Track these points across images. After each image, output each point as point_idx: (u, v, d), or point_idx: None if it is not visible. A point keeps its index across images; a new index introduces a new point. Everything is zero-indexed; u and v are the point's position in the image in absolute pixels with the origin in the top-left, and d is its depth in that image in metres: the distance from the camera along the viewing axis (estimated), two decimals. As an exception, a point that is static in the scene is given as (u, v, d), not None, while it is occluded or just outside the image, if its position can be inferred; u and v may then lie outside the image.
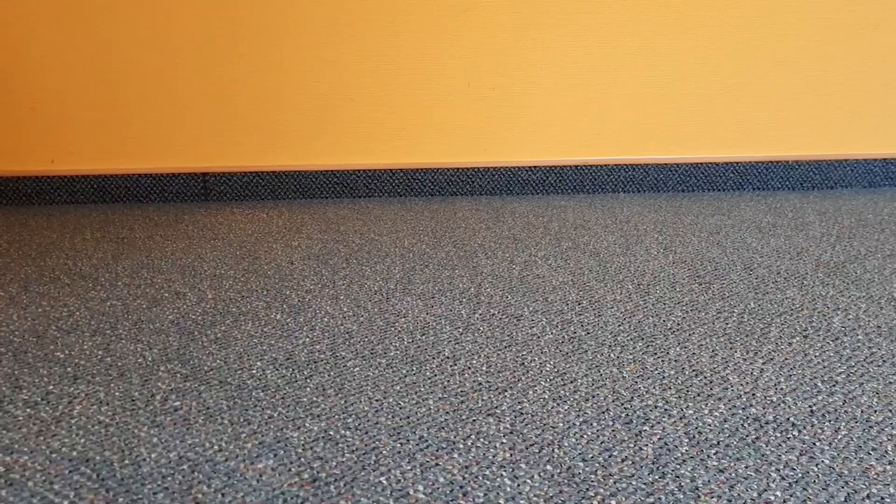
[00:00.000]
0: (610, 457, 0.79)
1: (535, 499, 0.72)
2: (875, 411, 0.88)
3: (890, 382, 0.96)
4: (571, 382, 0.96)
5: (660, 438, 0.82)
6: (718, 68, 2.06)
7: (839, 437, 0.83)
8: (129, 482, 0.75)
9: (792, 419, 0.87)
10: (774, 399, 0.91)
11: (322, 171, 2.09)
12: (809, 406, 0.90)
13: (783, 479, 0.75)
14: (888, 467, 0.77)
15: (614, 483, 0.74)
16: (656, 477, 0.75)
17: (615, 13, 2.02)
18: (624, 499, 0.72)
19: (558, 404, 0.90)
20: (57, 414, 0.88)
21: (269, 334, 1.12)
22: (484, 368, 1.00)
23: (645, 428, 0.85)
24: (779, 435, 0.83)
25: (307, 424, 0.84)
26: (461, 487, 0.74)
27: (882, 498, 0.72)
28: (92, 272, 1.41)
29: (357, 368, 1.00)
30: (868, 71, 2.10)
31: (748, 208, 1.92)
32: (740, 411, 0.88)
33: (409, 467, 0.77)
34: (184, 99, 2.00)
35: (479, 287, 1.33)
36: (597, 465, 0.78)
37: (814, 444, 0.81)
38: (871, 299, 1.25)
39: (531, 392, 0.93)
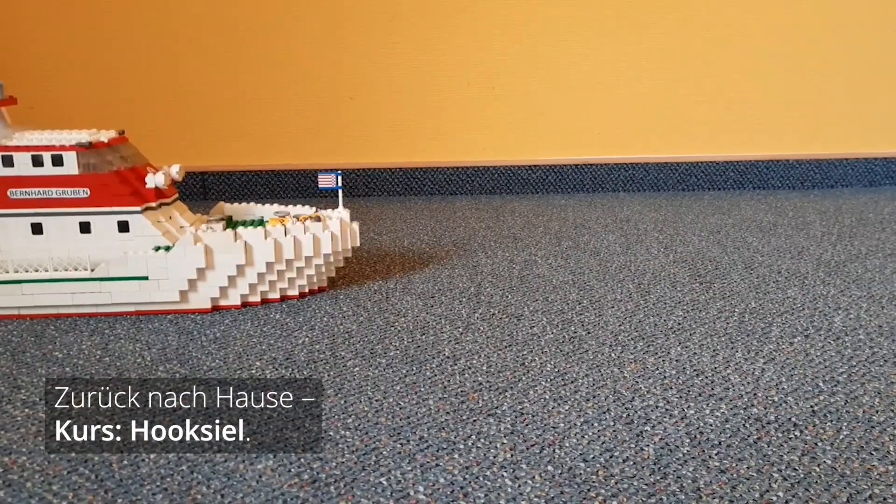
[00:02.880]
0: (611, 457, 0.79)
1: (535, 499, 0.72)
2: (877, 411, 0.88)
3: (892, 382, 0.95)
4: (572, 382, 0.95)
5: (661, 439, 0.82)
6: (719, 68, 2.06)
7: (841, 437, 0.83)
8: (127, 483, 0.75)
9: (794, 419, 0.86)
10: (776, 399, 0.91)
11: (321, 169, 2.08)
12: (811, 406, 0.89)
13: (785, 479, 0.75)
14: (890, 467, 0.77)
15: (616, 484, 0.74)
16: (658, 477, 0.75)
17: (615, 14, 2.02)
18: (625, 499, 0.72)
19: (559, 404, 0.90)
20: (55, 414, 0.87)
21: (268, 334, 1.11)
22: (484, 368, 1.00)
23: (646, 428, 0.84)
24: (781, 435, 0.83)
25: (307, 424, 0.84)
26: (462, 488, 0.73)
27: (885, 498, 0.72)
28: (90, 272, 1.41)
29: (357, 368, 1.00)
30: (868, 70, 2.10)
31: (749, 207, 1.92)
32: (742, 411, 0.88)
33: (409, 468, 0.77)
34: (182, 98, 1.99)
35: (479, 286, 1.32)
36: (598, 465, 0.77)
37: (816, 444, 0.81)
38: (873, 298, 1.25)
39: (532, 392, 0.93)
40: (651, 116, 2.09)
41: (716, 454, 0.79)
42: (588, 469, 0.76)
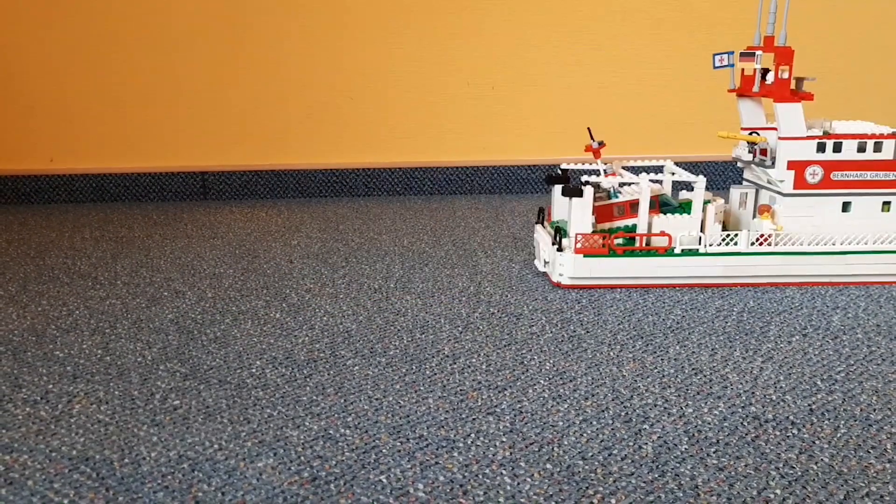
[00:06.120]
0: (609, 455, 0.79)
1: (534, 497, 0.72)
2: (874, 409, 0.89)
3: (889, 381, 0.96)
4: (571, 381, 0.96)
5: (659, 437, 0.83)
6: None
7: (838, 435, 0.83)
8: (128, 481, 0.75)
9: (791, 417, 0.87)
10: (774, 397, 0.91)
11: (321, 169, 2.09)
12: (809, 404, 0.90)
13: (783, 477, 0.75)
14: (887, 465, 0.77)
15: (614, 481, 0.74)
16: (656, 475, 0.75)
17: (615, 14, 2.02)
18: (624, 497, 0.72)
19: (558, 403, 0.90)
20: (56, 413, 0.88)
21: (268, 333, 1.12)
22: (483, 367, 1.00)
23: (644, 426, 0.85)
24: (778, 433, 0.83)
25: (307, 423, 0.84)
26: (461, 486, 0.74)
27: (881, 496, 0.72)
28: (91, 271, 1.41)
29: (356, 367, 1.00)
30: (868, 70, 2.10)
31: (747, 207, 1.92)
32: (740, 410, 0.88)
33: (408, 466, 0.77)
34: (183, 98, 1.99)
35: (478, 286, 1.33)
36: (596, 463, 0.78)
37: (813, 442, 0.81)
38: (871, 297, 1.25)
39: (531, 391, 0.93)
40: (650, 116, 2.10)
41: (714, 452, 0.80)
42: (587, 467, 0.77)
